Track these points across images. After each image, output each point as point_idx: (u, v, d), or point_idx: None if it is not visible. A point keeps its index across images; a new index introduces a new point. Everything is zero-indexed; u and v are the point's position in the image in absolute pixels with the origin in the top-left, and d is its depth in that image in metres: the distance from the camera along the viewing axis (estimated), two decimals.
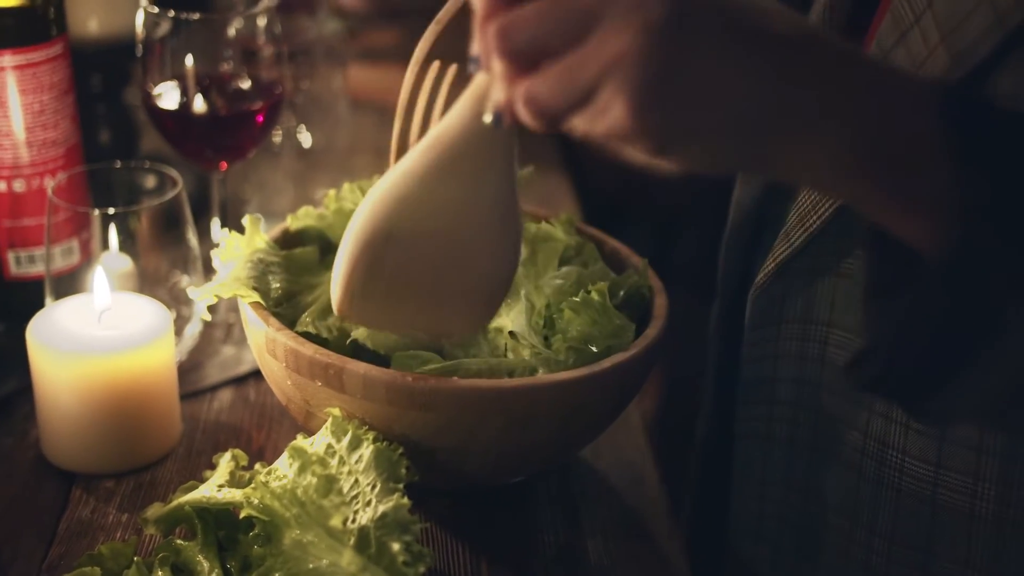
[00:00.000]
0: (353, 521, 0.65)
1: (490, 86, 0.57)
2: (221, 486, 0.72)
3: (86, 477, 0.81)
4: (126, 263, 0.88)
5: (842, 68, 0.56)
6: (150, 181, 0.95)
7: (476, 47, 0.56)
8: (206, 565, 0.70)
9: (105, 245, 0.87)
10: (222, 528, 0.72)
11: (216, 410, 0.89)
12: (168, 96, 0.95)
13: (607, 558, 0.76)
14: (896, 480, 0.73)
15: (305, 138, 1.11)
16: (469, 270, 0.66)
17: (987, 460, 0.69)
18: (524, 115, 0.55)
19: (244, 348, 0.96)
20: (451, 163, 0.62)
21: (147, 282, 0.90)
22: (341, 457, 0.68)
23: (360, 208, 0.65)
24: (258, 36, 0.95)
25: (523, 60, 0.53)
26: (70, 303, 0.83)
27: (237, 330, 0.99)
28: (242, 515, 0.69)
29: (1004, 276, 0.57)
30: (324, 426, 0.70)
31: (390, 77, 1.49)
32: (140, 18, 0.94)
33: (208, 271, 1.03)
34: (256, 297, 0.76)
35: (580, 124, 0.54)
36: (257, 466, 0.74)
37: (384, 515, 0.65)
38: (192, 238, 0.89)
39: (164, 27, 0.93)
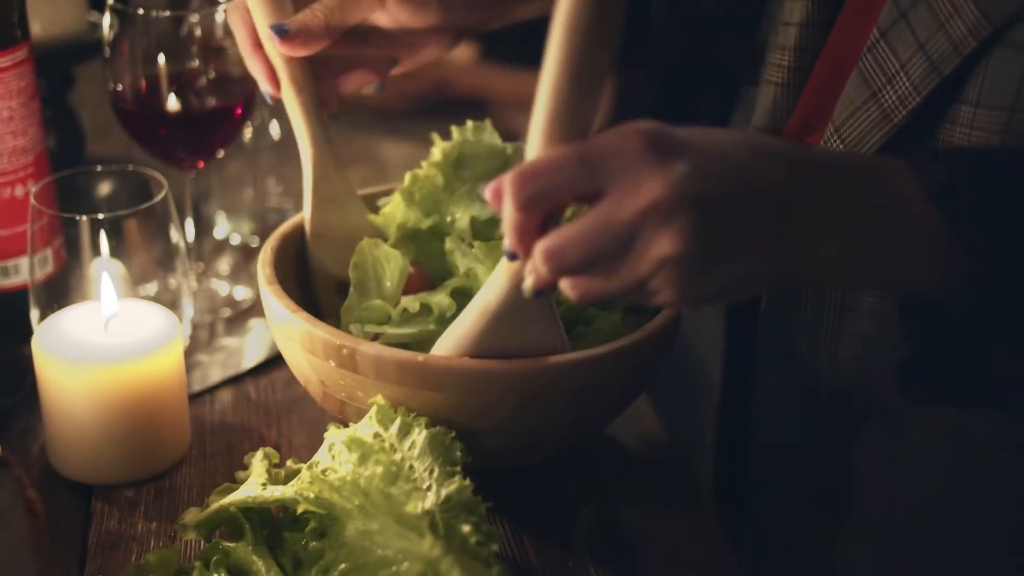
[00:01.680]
0: (419, 507, 0.65)
1: (525, 269, 0.65)
2: (265, 484, 0.71)
3: (103, 488, 0.79)
4: (116, 268, 0.86)
5: (831, 177, 0.63)
6: (116, 185, 0.93)
7: (512, 245, 0.62)
8: (262, 564, 0.69)
9: (94, 251, 0.85)
10: (265, 527, 0.71)
11: (220, 411, 0.88)
12: (139, 96, 0.93)
13: (644, 525, 0.78)
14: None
15: (275, 130, 1.10)
16: None
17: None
18: (577, 301, 0.62)
19: (246, 342, 0.95)
20: (499, 327, 0.70)
21: (136, 285, 0.88)
22: (392, 445, 0.68)
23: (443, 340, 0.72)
24: (224, 31, 0.94)
25: (576, 272, 0.61)
26: (74, 312, 0.80)
27: (231, 326, 0.98)
28: (300, 510, 0.68)
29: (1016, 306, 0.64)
30: (368, 416, 0.70)
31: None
32: (107, 18, 0.92)
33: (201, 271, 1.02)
34: (273, 280, 0.77)
35: (629, 300, 0.63)
36: (289, 463, 0.73)
37: (448, 498, 0.65)
38: (179, 239, 0.87)
39: (131, 25, 0.91)
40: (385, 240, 0.80)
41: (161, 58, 0.92)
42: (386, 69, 0.86)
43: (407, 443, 0.68)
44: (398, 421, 0.69)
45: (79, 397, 0.77)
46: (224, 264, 1.08)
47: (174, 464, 0.81)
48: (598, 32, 0.59)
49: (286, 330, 0.74)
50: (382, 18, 0.82)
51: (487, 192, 0.62)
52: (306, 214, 0.83)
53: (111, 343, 0.78)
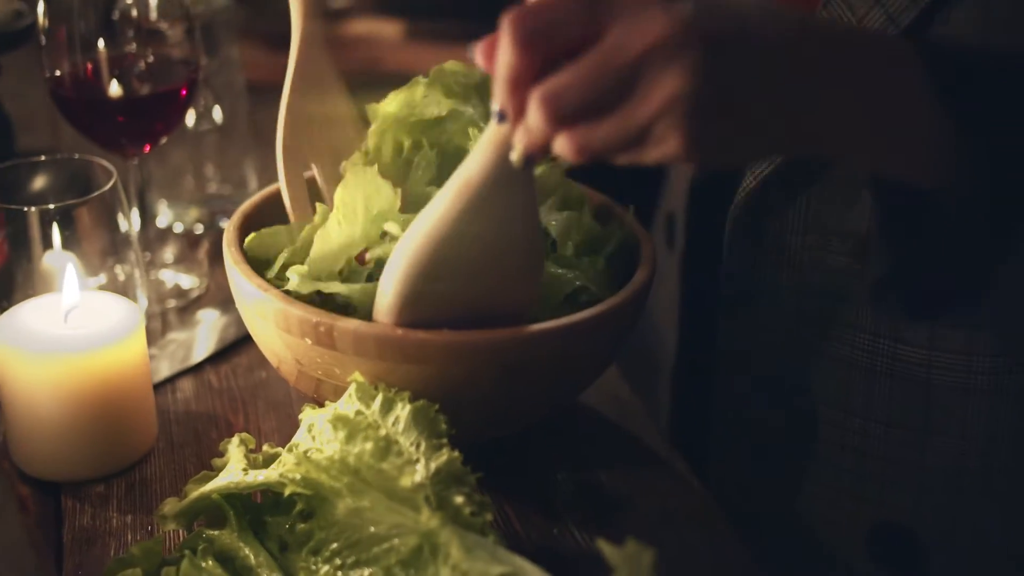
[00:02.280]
0: (411, 481, 0.64)
1: (515, 132, 0.60)
2: (245, 470, 0.70)
3: (72, 485, 0.77)
4: (69, 259, 0.84)
5: (839, 43, 0.61)
6: (56, 175, 0.90)
7: (500, 102, 0.59)
8: (249, 550, 0.68)
9: (43, 243, 0.82)
10: (247, 513, 0.70)
11: (183, 401, 0.86)
12: (79, 83, 0.90)
13: (624, 487, 0.78)
14: (889, 367, 0.78)
15: (217, 114, 1.08)
16: (500, 296, 0.71)
17: (979, 335, 0.75)
18: (573, 157, 0.58)
19: (199, 331, 0.94)
20: (480, 204, 0.66)
21: (86, 277, 0.85)
22: (375, 421, 0.68)
23: (401, 247, 0.69)
24: (163, 13, 0.92)
25: (574, 118, 0.57)
26: (32, 305, 0.78)
27: (181, 316, 0.96)
28: (287, 493, 0.67)
29: (1007, 199, 0.63)
30: (348, 393, 0.69)
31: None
32: (40, 3, 0.89)
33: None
34: (241, 260, 0.75)
35: (629, 155, 0.58)
36: (265, 447, 0.72)
37: (439, 471, 0.65)
38: (129, 228, 0.85)
39: (67, 10, 0.88)
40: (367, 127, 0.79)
41: (100, 43, 0.89)
42: None
43: (390, 419, 0.68)
44: (380, 397, 0.68)
45: (43, 391, 0.75)
46: (168, 253, 1.05)
47: (143, 456, 0.80)
48: None
49: (258, 309, 0.72)
50: None
51: (477, 50, 0.59)
52: (284, 96, 0.80)
53: (73, 335, 0.76)
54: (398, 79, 1.44)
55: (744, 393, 0.87)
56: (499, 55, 0.58)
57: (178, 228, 1.10)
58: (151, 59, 0.92)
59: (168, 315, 0.97)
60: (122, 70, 0.91)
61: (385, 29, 1.59)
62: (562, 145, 0.58)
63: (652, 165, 0.59)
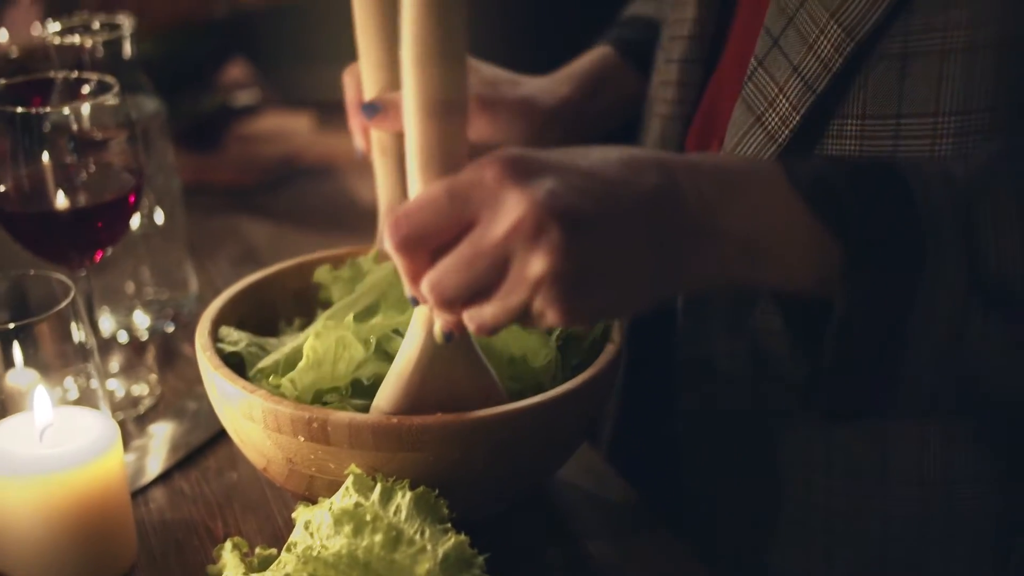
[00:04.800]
0: (424, 569, 0.64)
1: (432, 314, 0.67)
2: (246, 574, 0.69)
3: None
4: (32, 377, 0.82)
5: (701, 182, 0.64)
6: (6, 292, 0.88)
7: (409, 291, 0.65)
8: None
9: (5, 363, 0.81)
10: None
11: (157, 511, 0.85)
12: (25, 197, 0.89)
13: (614, 557, 0.79)
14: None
15: (159, 216, 1.07)
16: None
17: None
18: (476, 334, 0.65)
19: (158, 442, 0.92)
20: (428, 368, 0.71)
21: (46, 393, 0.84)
22: (377, 512, 0.68)
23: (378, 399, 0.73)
24: (103, 122, 0.91)
25: (460, 302, 0.62)
26: (3, 427, 0.76)
27: (140, 425, 0.95)
28: None
29: (895, 302, 0.65)
30: (345, 487, 0.69)
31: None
32: None
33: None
34: (220, 364, 0.75)
35: (526, 324, 0.64)
36: (258, 549, 0.72)
37: (447, 557, 0.65)
38: (87, 340, 0.84)
39: (9, 124, 0.87)
40: None
41: (45, 156, 0.89)
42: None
43: (391, 508, 0.68)
44: (378, 487, 0.69)
45: (25, 514, 0.73)
46: (115, 363, 1.04)
47: (126, 573, 0.78)
48: (446, 64, 0.61)
49: (245, 412, 0.72)
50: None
51: (384, 243, 0.63)
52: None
53: (51, 454, 0.74)
54: (314, 170, 1.45)
55: (710, 461, 0.89)
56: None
57: (123, 336, 1.09)
58: (99, 169, 0.91)
59: (127, 425, 0.96)
60: (68, 182, 0.90)
61: (297, 122, 1.60)
62: (465, 323, 0.63)
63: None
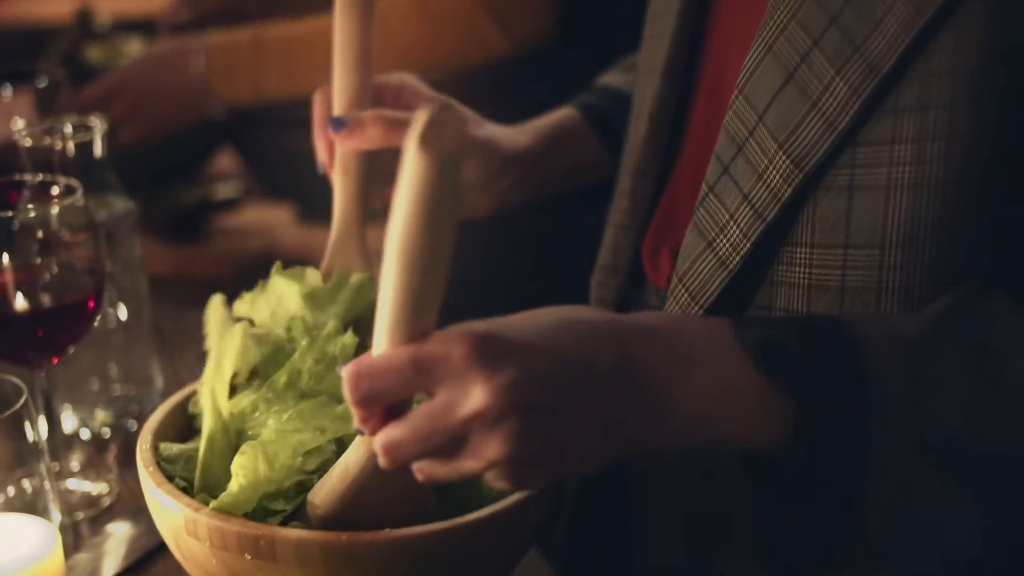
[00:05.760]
0: None
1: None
2: None
3: None
4: None
5: (659, 353, 0.66)
6: None
7: (360, 426, 0.66)
8: None
9: None
10: None
11: None
12: None
13: None
14: None
15: (122, 313, 1.08)
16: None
17: None
18: (420, 480, 0.66)
19: (110, 547, 0.91)
20: (368, 482, 0.71)
21: None
22: None
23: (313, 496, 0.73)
24: (67, 223, 0.92)
25: (410, 463, 0.65)
26: None
27: (94, 527, 0.94)
28: None
29: (846, 463, 0.66)
30: None
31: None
32: None
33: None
34: (164, 480, 0.74)
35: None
36: None
37: None
38: (38, 440, 0.84)
39: None
40: None
41: (4, 258, 0.89)
42: None
43: None
44: None
45: None
46: (75, 460, 1.04)
47: None
48: (434, 251, 0.62)
49: (190, 529, 0.71)
50: None
51: (343, 373, 0.64)
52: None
53: None
54: (291, 265, 1.46)
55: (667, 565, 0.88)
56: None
57: (85, 433, 1.08)
58: (60, 271, 0.92)
59: (80, 527, 0.95)
60: (28, 284, 0.91)
61: (277, 216, 1.62)
62: (413, 470, 0.65)
63: None
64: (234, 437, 0.77)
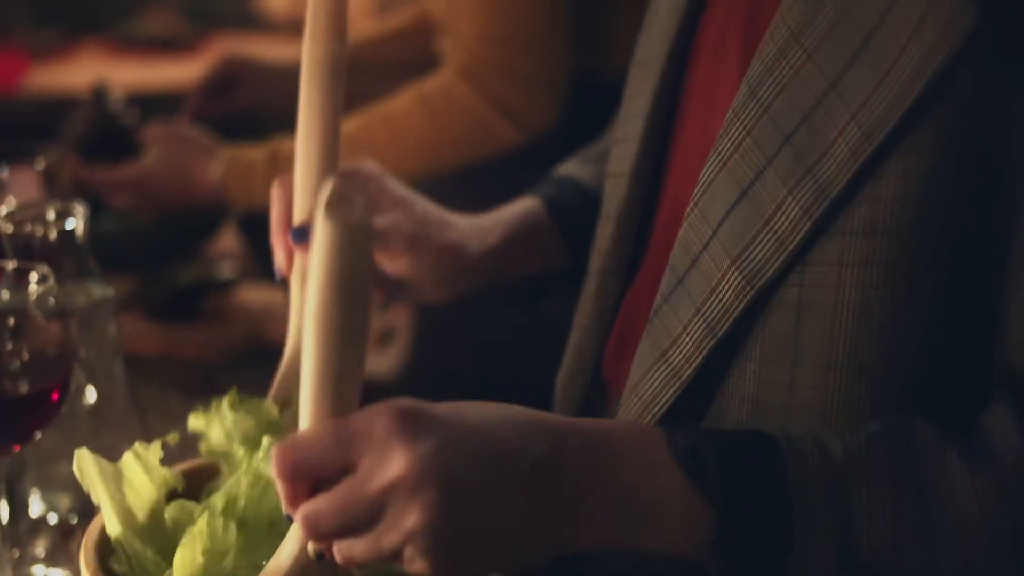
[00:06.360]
0: None
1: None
2: None
3: None
4: None
5: (589, 453, 0.66)
6: None
7: (286, 510, 0.66)
8: None
9: None
10: None
11: None
12: None
13: None
14: None
15: (91, 396, 1.08)
16: None
17: None
18: (343, 564, 0.66)
19: None
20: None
21: None
22: None
23: None
24: (42, 310, 0.93)
25: (331, 537, 0.65)
26: None
27: None
28: None
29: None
30: None
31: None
32: None
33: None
34: None
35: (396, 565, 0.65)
36: None
37: None
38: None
39: None
40: None
41: None
42: (395, 293, 0.95)
43: None
44: None
45: None
46: (40, 547, 1.03)
47: None
48: (348, 319, 0.62)
49: None
50: (386, 261, 0.92)
51: (271, 458, 0.65)
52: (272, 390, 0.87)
53: None
54: (277, 350, 1.46)
55: None
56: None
57: (52, 519, 1.08)
58: (27, 358, 0.92)
59: None
60: None
61: (270, 298, 1.62)
62: (334, 553, 0.65)
63: None
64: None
